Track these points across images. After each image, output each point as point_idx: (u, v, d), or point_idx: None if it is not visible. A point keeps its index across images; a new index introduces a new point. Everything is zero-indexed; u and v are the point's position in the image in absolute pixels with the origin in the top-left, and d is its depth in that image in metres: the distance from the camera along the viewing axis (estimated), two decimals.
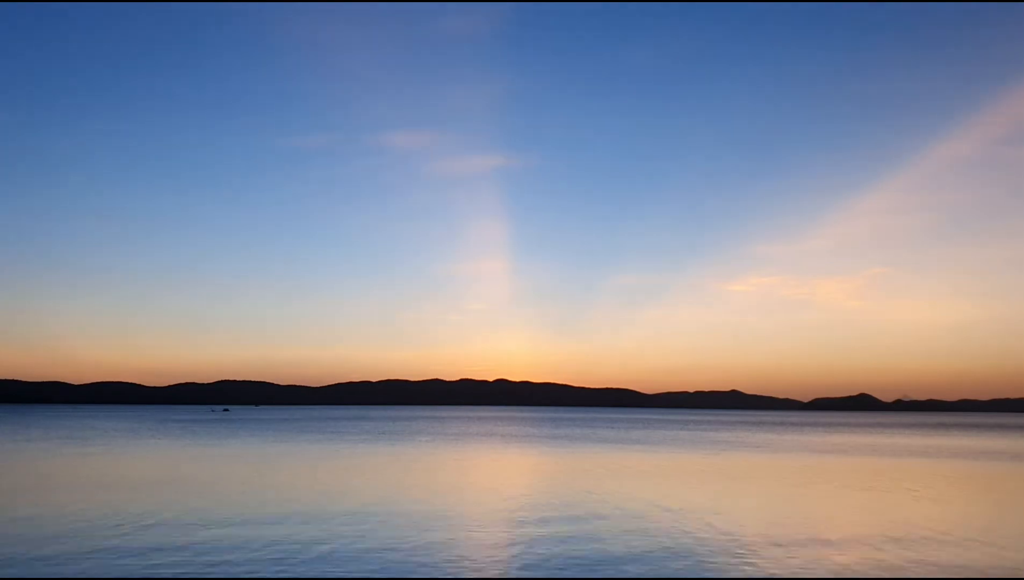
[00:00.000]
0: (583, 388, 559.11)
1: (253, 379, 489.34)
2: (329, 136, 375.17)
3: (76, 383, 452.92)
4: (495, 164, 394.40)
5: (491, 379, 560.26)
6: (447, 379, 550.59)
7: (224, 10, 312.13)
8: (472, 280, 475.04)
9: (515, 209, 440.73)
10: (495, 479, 32.39)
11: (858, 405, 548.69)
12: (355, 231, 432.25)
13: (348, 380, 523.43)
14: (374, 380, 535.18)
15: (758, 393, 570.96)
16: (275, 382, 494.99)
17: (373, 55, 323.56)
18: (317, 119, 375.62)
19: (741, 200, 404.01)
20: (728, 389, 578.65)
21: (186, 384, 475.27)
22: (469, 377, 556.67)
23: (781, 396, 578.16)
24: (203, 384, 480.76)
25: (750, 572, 14.08)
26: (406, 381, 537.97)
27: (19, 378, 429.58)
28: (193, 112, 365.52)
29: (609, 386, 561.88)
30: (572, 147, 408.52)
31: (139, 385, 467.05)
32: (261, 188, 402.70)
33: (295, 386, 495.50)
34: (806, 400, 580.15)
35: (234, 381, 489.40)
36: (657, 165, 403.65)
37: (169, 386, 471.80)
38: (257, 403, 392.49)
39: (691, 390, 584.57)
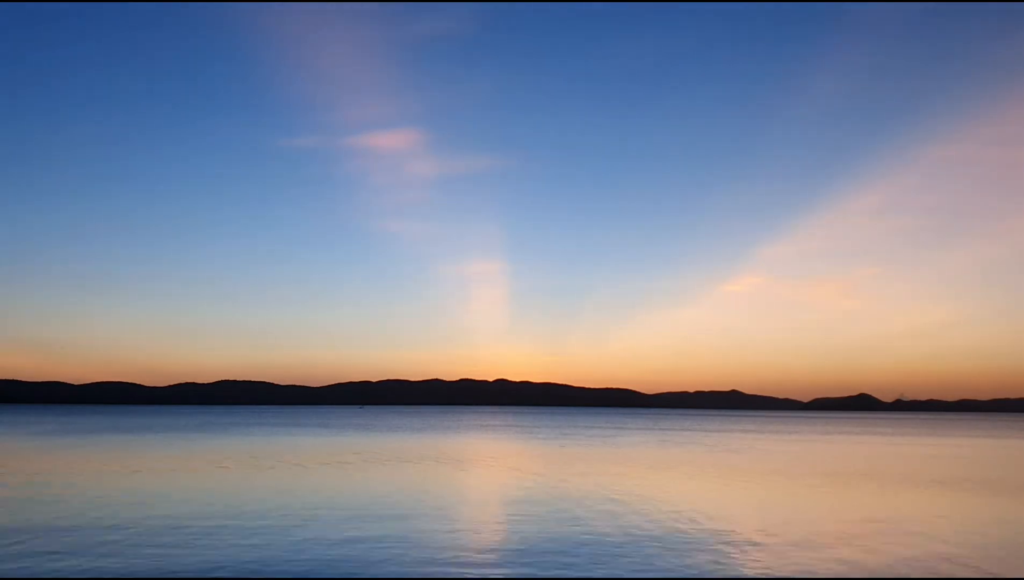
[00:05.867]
0: (583, 388, 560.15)
1: (253, 379, 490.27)
2: (320, 137, 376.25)
3: (76, 383, 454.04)
4: (489, 164, 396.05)
5: (491, 379, 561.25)
6: (447, 379, 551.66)
7: (215, 11, 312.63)
8: (472, 280, 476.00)
9: (512, 209, 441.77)
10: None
11: (858, 405, 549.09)
12: (352, 230, 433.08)
13: (348, 380, 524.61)
14: (374, 380, 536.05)
15: (758, 393, 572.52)
16: (275, 382, 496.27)
17: (361, 56, 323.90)
18: (308, 120, 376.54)
19: (736, 200, 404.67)
20: (728, 389, 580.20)
21: (186, 384, 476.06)
22: (469, 377, 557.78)
23: (781, 396, 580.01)
24: (203, 384, 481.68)
25: (748, 572, 14.22)
26: (406, 381, 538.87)
27: (19, 378, 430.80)
28: (189, 114, 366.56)
29: (609, 386, 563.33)
30: (567, 146, 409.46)
31: (139, 385, 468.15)
32: (257, 189, 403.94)
33: (295, 386, 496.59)
34: (806, 400, 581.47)
35: (234, 381, 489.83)
36: (652, 165, 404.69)
37: (169, 386, 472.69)
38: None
39: (691, 390, 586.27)
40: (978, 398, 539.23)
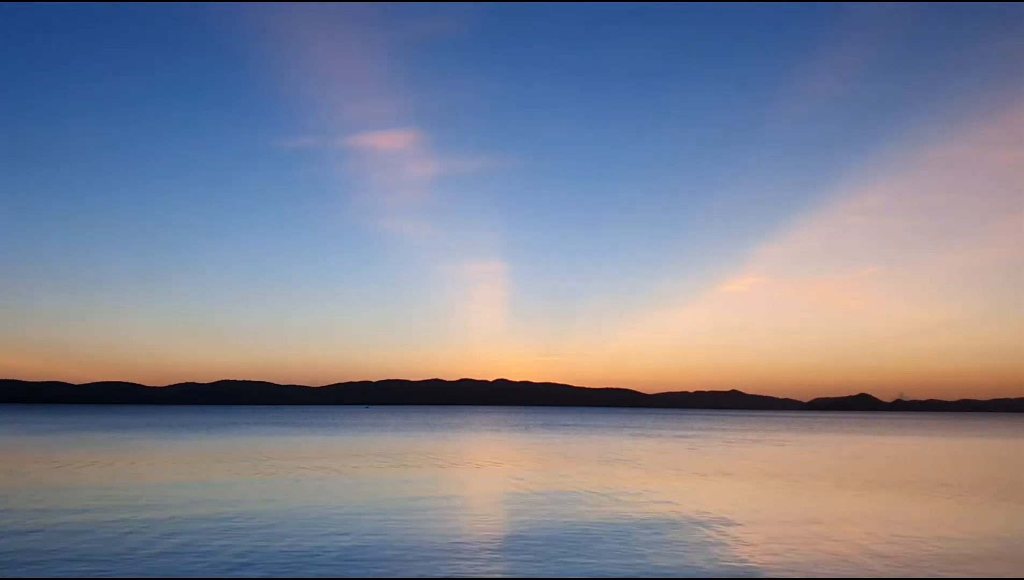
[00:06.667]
0: (583, 388, 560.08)
1: (253, 379, 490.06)
2: (318, 137, 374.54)
3: (76, 383, 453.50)
4: (489, 164, 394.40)
5: (491, 379, 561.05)
6: (447, 379, 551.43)
7: (213, 11, 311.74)
8: (471, 280, 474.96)
9: (512, 209, 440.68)
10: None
11: (858, 405, 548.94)
12: (351, 230, 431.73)
13: (348, 380, 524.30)
14: (374, 380, 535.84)
15: (758, 393, 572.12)
16: (275, 382, 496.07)
17: (359, 55, 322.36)
18: (306, 120, 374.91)
19: (736, 200, 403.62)
20: (728, 389, 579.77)
21: (186, 384, 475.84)
22: (469, 377, 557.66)
23: (781, 396, 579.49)
24: (203, 384, 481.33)
25: (749, 572, 13.92)
26: (406, 381, 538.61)
27: (19, 378, 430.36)
28: (187, 115, 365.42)
29: (609, 386, 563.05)
30: (567, 147, 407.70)
31: (139, 385, 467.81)
32: (255, 189, 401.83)
33: (295, 386, 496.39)
34: (806, 400, 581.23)
35: (234, 381, 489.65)
36: (652, 164, 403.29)
37: (169, 386, 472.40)
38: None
39: (691, 390, 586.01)
40: (978, 398, 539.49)
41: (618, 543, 16.58)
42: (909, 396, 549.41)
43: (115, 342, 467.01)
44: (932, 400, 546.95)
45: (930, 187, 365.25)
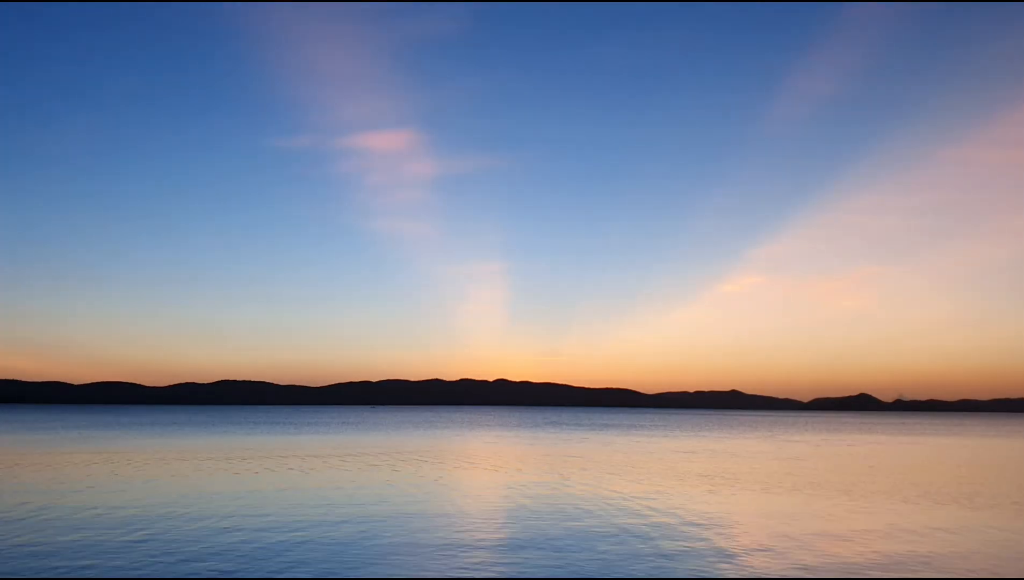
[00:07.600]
0: (582, 388, 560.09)
1: (253, 379, 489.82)
2: (316, 137, 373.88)
3: (76, 383, 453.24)
4: (487, 164, 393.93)
5: (491, 379, 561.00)
6: (447, 379, 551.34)
7: (210, 10, 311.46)
8: (471, 280, 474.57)
9: (511, 209, 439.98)
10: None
11: (858, 405, 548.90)
12: (350, 231, 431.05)
13: (348, 380, 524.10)
14: (374, 380, 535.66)
15: (758, 393, 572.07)
16: (275, 382, 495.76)
17: (357, 55, 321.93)
18: (304, 120, 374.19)
19: (735, 199, 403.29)
20: (728, 389, 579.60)
21: (186, 384, 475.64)
22: (469, 377, 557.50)
23: (781, 396, 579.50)
24: (203, 384, 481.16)
25: (747, 572, 13.88)
26: (406, 381, 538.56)
27: (19, 378, 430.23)
28: (186, 114, 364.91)
29: (609, 386, 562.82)
30: (566, 146, 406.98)
31: (139, 385, 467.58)
32: (255, 189, 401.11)
33: (295, 386, 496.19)
34: (806, 400, 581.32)
35: (234, 381, 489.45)
36: (650, 164, 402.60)
37: (169, 386, 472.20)
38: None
39: (691, 390, 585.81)
40: (978, 398, 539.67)
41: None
42: (909, 396, 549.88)
43: (115, 342, 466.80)
44: (932, 400, 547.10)
45: (930, 187, 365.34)
